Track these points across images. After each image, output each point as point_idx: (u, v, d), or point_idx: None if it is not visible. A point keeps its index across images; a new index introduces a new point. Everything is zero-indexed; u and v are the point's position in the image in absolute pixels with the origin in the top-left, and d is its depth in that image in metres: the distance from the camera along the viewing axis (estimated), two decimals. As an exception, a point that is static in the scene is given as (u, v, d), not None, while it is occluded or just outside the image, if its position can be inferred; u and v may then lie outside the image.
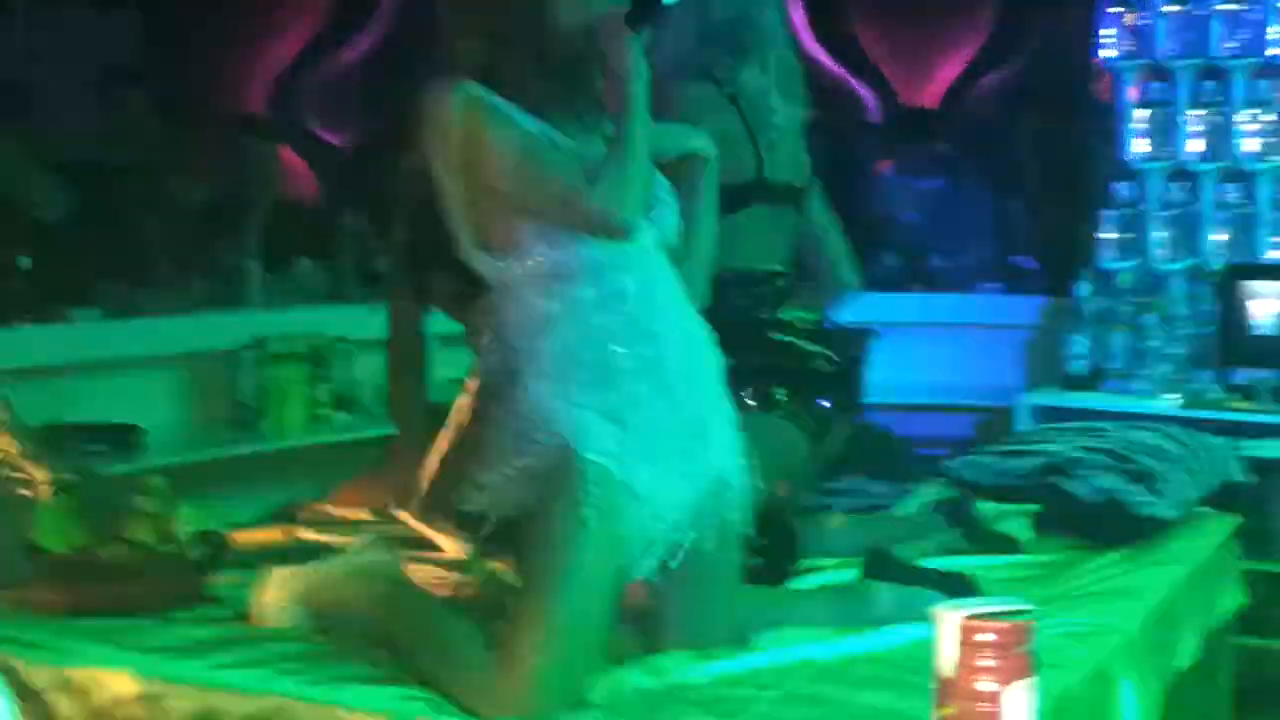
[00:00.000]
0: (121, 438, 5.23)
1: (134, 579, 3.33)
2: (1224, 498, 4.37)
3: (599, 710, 2.70)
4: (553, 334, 2.82)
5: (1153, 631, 3.45)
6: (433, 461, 3.22)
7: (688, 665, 2.90)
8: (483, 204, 2.83)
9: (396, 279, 4.37)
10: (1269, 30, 5.85)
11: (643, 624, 2.98)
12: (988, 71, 10.08)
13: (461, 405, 3.08)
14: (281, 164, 8.59)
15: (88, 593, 3.30)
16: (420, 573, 3.32)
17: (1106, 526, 3.92)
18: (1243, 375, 5.65)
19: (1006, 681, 1.77)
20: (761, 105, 3.83)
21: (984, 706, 1.80)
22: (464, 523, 3.03)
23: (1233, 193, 5.94)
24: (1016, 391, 6.10)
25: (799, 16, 10.50)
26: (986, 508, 4.05)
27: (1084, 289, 6.04)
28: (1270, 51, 5.84)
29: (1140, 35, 6.02)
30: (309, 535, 3.80)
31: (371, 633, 2.99)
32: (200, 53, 9.28)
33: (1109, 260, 6.05)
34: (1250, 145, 5.90)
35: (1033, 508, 4.04)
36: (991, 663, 1.73)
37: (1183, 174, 6.00)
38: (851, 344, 3.88)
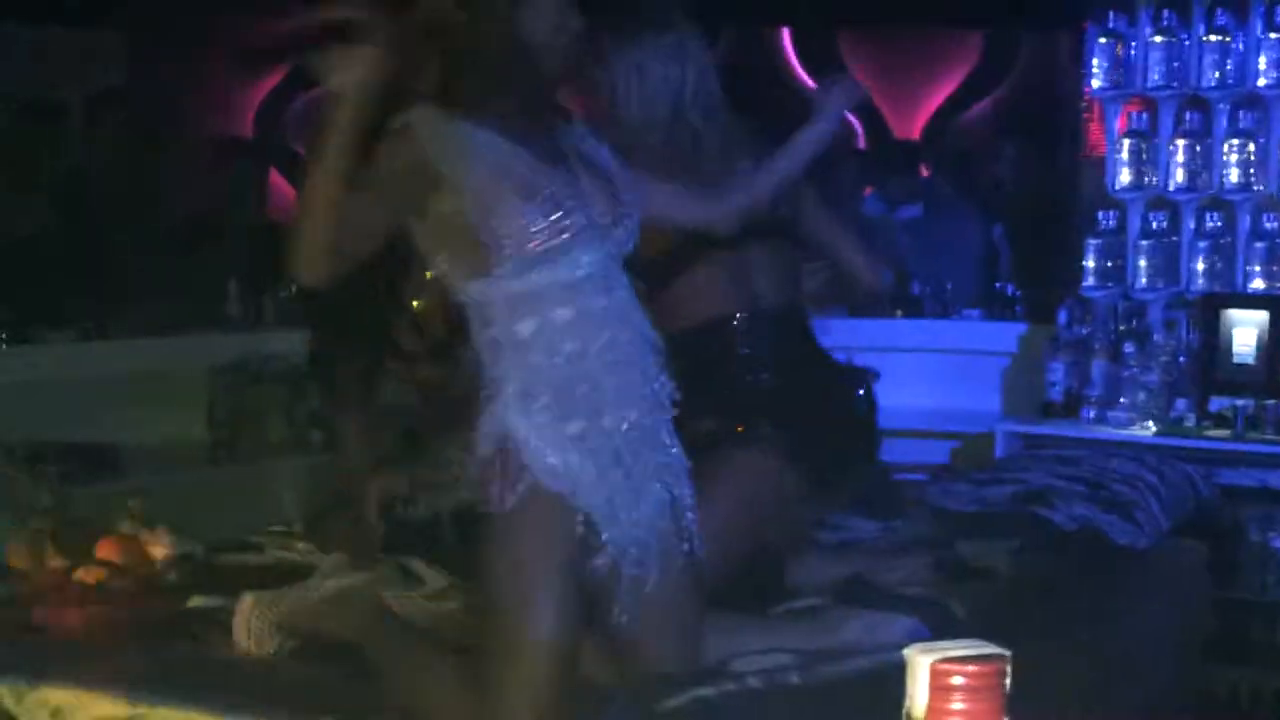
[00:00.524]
0: (99, 458, 5.23)
1: (111, 602, 3.32)
2: (1197, 525, 4.40)
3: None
4: (508, 359, 2.81)
5: (1127, 661, 3.46)
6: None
7: (661, 694, 2.90)
8: (438, 230, 2.83)
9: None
10: (1254, 62, 5.88)
11: (612, 653, 2.97)
12: (973, 101, 10.14)
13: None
14: (265, 185, 8.59)
15: (64, 615, 3.30)
16: (400, 602, 3.31)
17: (1082, 554, 3.94)
18: (1219, 404, 5.67)
19: (977, 724, 1.77)
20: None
21: (955, 750, 1.80)
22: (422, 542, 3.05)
23: (1214, 222, 5.96)
24: (994, 418, 6.12)
25: (787, 44, 10.56)
26: (963, 537, 4.05)
27: (1064, 316, 6.06)
28: (1255, 83, 5.87)
29: (1125, 66, 6.05)
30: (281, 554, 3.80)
31: (350, 660, 2.99)
32: (186, 74, 9.30)
33: (1089, 288, 6.07)
34: (1232, 176, 5.93)
35: (1010, 538, 4.05)
36: (961, 705, 1.73)
37: (1164, 203, 6.03)
38: (857, 381, 3.83)
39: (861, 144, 10.13)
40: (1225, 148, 5.93)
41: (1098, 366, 5.90)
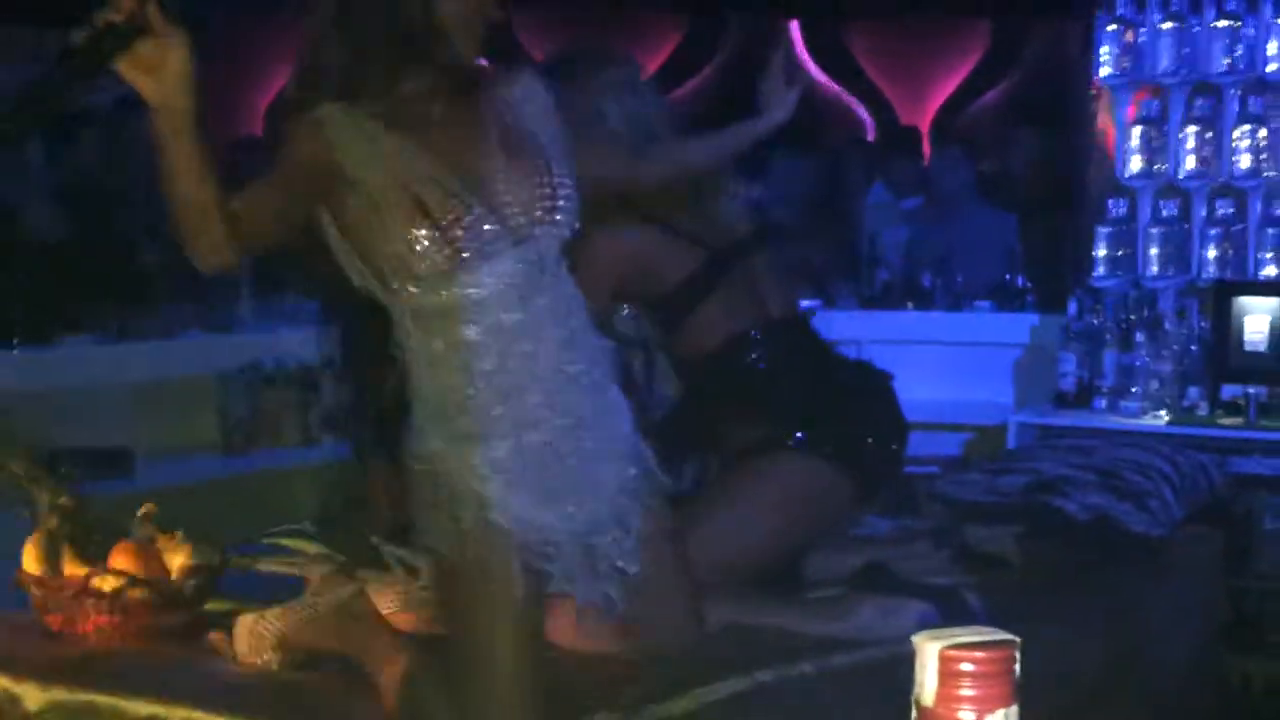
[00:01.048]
0: (113, 461, 5.24)
1: (127, 610, 3.33)
2: (1211, 514, 4.39)
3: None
4: (424, 375, 2.70)
5: (1140, 650, 3.46)
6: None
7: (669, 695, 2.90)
8: (349, 231, 2.70)
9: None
10: (1264, 47, 5.87)
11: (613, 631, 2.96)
12: (983, 90, 10.14)
13: None
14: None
15: (81, 623, 3.30)
16: (397, 596, 3.31)
17: (1096, 544, 3.94)
18: (1232, 392, 5.66)
19: (987, 711, 1.77)
20: None
21: (964, 736, 1.81)
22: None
23: (1225, 209, 5.95)
24: (1007, 410, 6.11)
25: (797, 37, 10.56)
26: (976, 526, 4.05)
27: (1074, 306, 6.05)
28: (1265, 69, 5.86)
29: (1136, 52, 6.03)
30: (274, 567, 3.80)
31: (350, 672, 3.00)
32: (200, 76, 9.30)
33: (1100, 277, 6.06)
34: (1243, 162, 5.92)
35: (1021, 527, 4.05)
36: (971, 692, 1.73)
37: (1174, 190, 6.02)
38: (882, 382, 3.82)
39: (870, 136, 10.15)
40: (1236, 134, 5.91)
41: (1109, 356, 5.89)
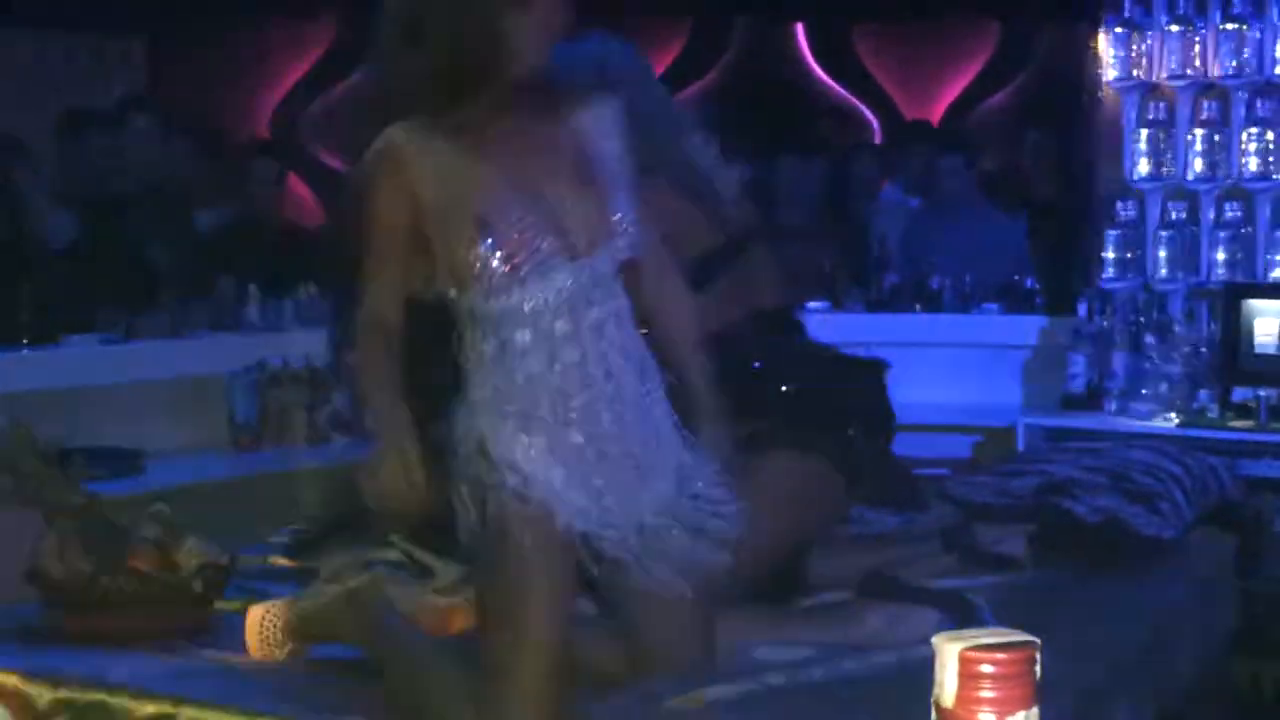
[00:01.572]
0: (122, 460, 5.25)
1: (138, 608, 3.33)
2: (1221, 517, 4.39)
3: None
4: (477, 370, 2.76)
5: (1150, 652, 3.46)
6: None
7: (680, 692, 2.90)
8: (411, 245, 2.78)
9: None
10: (1271, 50, 5.87)
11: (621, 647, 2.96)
12: (991, 92, 10.13)
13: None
14: (284, 188, 8.59)
15: (93, 621, 3.31)
16: (410, 597, 3.32)
17: (1106, 546, 3.93)
18: (1242, 394, 5.66)
19: (1007, 713, 1.76)
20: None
21: (984, 738, 1.80)
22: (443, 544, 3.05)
23: (1233, 212, 5.95)
24: (1016, 412, 6.11)
25: (802, 40, 10.56)
26: (987, 528, 4.05)
27: (1084, 308, 6.05)
28: (1273, 71, 5.85)
29: (1143, 55, 6.03)
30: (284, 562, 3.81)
31: (361, 662, 3.00)
32: (203, 77, 9.31)
33: (1108, 279, 6.06)
34: (1251, 165, 5.92)
35: (1031, 528, 4.04)
36: (991, 694, 1.72)
37: (1182, 193, 6.02)
38: (868, 374, 3.83)
39: (879, 137, 10.14)
40: (1243, 136, 5.92)
41: (1119, 358, 5.89)
